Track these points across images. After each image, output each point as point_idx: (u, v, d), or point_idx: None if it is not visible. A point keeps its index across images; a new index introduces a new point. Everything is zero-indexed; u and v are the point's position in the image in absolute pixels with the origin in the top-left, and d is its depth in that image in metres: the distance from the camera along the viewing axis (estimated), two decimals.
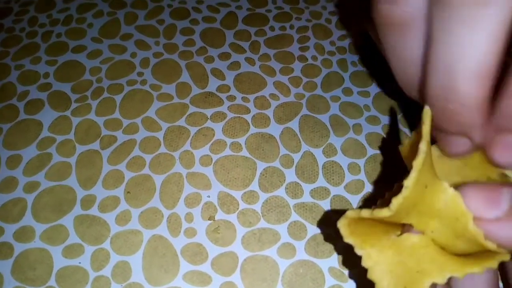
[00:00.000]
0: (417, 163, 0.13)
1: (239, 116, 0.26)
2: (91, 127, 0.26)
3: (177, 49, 0.29)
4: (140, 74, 0.28)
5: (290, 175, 0.24)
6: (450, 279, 0.15)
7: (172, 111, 0.26)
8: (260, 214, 0.23)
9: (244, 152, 0.25)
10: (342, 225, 0.14)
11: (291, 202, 0.23)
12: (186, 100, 0.27)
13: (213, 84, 0.28)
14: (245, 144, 0.25)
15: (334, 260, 0.21)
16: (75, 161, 0.24)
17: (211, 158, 0.25)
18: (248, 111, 0.26)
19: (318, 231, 0.22)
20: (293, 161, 0.24)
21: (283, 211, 0.23)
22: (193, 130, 0.26)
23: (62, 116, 0.26)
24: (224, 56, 0.29)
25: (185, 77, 0.28)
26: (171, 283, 0.21)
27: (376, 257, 0.15)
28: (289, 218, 0.23)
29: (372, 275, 0.14)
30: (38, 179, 0.23)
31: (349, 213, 0.14)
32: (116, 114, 0.26)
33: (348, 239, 0.14)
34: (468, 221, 0.12)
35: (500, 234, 0.12)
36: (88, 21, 0.31)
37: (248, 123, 0.26)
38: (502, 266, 0.16)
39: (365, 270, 0.15)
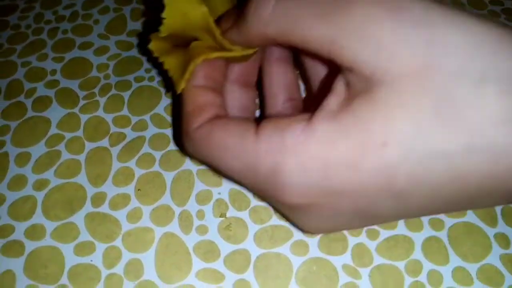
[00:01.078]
0: None
1: None
2: (99, 124, 0.25)
3: None
4: (147, 70, 0.28)
5: None
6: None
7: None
8: (272, 211, 0.22)
9: None
10: (151, 45, 0.20)
11: None
12: None
13: None
14: None
15: (347, 257, 0.21)
16: (84, 158, 0.24)
17: None
18: None
19: None
20: None
21: None
22: None
23: (70, 113, 0.26)
24: None
25: None
26: (184, 280, 0.21)
27: (170, 60, 0.20)
28: None
29: (169, 72, 0.20)
30: (47, 177, 0.23)
31: (152, 35, 0.20)
32: (125, 111, 0.26)
33: (154, 53, 0.20)
34: (217, 34, 0.18)
35: (231, 38, 0.18)
36: (94, 17, 0.31)
37: None
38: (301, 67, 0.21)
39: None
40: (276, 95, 0.21)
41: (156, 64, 0.28)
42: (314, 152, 0.15)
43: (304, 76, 0.22)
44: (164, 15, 0.18)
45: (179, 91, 0.19)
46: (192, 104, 0.18)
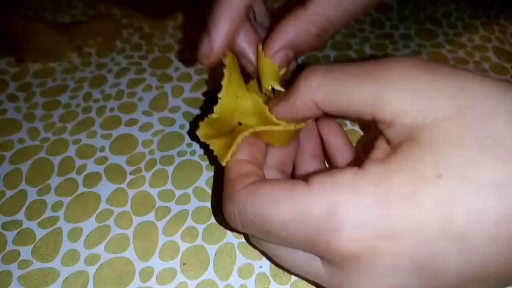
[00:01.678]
0: (224, 82, 0.21)
1: None
2: (146, 198, 0.27)
3: None
4: (189, 145, 0.30)
5: None
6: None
7: (221, 180, 0.28)
8: (314, 285, 0.23)
9: None
10: (200, 131, 0.21)
11: None
12: None
13: None
14: None
15: None
16: (132, 233, 0.25)
17: None
18: None
19: None
20: None
21: None
22: None
23: (119, 189, 0.27)
24: None
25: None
26: None
27: (216, 141, 0.22)
28: None
29: (214, 150, 0.22)
30: (98, 252, 0.25)
31: (201, 123, 0.21)
32: (169, 185, 0.28)
33: (202, 139, 0.21)
34: (266, 111, 0.21)
35: (279, 111, 0.20)
36: (138, 95, 0.33)
37: None
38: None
39: None
40: (307, 155, 0.24)
41: (198, 139, 0.30)
42: (369, 190, 0.15)
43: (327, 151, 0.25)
44: (220, 95, 0.21)
45: (224, 164, 0.21)
46: (236, 172, 0.20)
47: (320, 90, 0.18)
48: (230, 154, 0.21)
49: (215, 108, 0.21)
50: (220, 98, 0.21)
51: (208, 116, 0.21)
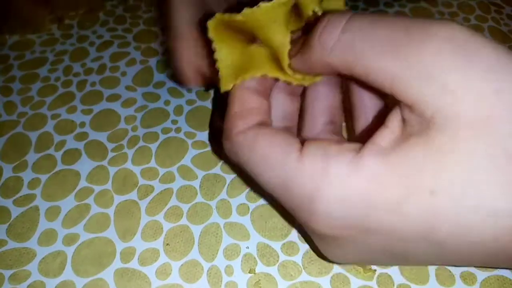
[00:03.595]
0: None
1: None
2: (128, 176, 0.26)
3: (209, 96, 0.30)
4: (174, 121, 0.28)
5: None
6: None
7: (207, 159, 0.27)
8: (301, 266, 0.22)
9: None
10: (210, 24, 0.18)
11: None
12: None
13: None
14: None
15: None
16: (113, 212, 0.24)
17: (248, 207, 0.24)
18: None
19: (362, 283, 0.22)
20: None
21: (324, 262, 0.22)
22: (228, 178, 0.26)
23: (99, 166, 0.26)
24: None
25: None
26: None
27: (225, 51, 0.19)
28: (331, 270, 0.22)
29: (218, 64, 0.19)
30: (77, 231, 0.23)
31: (217, 15, 0.18)
32: (152, 163, 0.26)
33: (211, 34, 0.18)
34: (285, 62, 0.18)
35: (293, 64, 0.18)
36: (122, 70, 0.32)
37: None
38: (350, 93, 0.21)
39: None
40: (318, 115, 0.20)
41: (183, 115, 0.29)
42: (357, 188, 0.15)
43: (350, 102, 0.21)
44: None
45: (222, 90, 0.19)
46: (240, 106, 0.18)
47: (335, 54, 0.16)
48: (235, 84, 0.19)
49: (245, 10, 0.17)
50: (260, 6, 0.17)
51: (229, 14, 0.18)
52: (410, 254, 0.15)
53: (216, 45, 0.19)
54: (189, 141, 0.28)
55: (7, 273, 0.22)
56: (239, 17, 0.18)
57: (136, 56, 0.33)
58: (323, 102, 0.20)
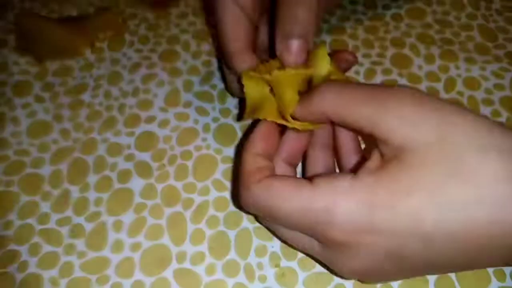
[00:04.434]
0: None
1: None
2: (172, 191, 0.32)
3: (230, 113, 0.35)
4: (204, 139, 0.34)
5: None
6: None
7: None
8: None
9: None
10: (244, 72, 0.27)
11: None
12: None
13: None
14: None
15: None
16: (165, 223, 0.31)
17: None
18: None
19: None
20: None
21: None
22: None
23: (148, 184, 0.32)
24: None
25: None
26: None
27: (249, 90, 0.26)
28: None
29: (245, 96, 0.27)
30: (139, 240, 0.30)
31: (251, 72, 0.26)
32: (190, 178, 0.32)
33: (242, 76, 0.26)
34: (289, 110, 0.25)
35: (296, 113, 0.25)
36: (153, 92, 0.37)
37: None
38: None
39: None
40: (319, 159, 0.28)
41: (210, 132, 0.34)
42: (360, 197, 0.20)
43: (338, 145, 0.28)
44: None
45: (245, 118, 0.27)
46: (252, 165, 0.24)
47: (332, 106, 0.22)
48: (252, 115, 0.27)
49: (274, 72, 0.25)
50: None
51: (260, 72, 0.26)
52: (406, 253, 0.21)
53: (244, 82, 0.26)
54: (218, 157, 0.33)
55: (93, 277, 0.29)
56: (268, 76, 0.25)
57: (163, 77, 0.37)
58: (320, 163, 0.27)
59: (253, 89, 0.26)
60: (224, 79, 0.35)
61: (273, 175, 0.24)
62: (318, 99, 0.23)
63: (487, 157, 0.19)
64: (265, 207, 0.23)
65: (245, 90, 0.26)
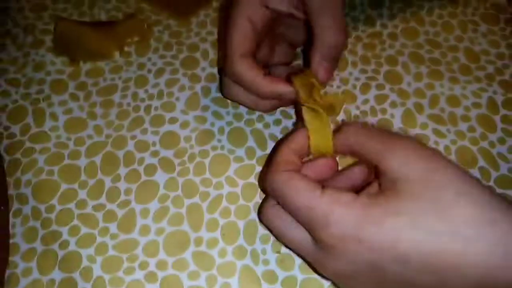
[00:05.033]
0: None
1: None
2: (191, 185, 0.37)
3: (243, 117, 0.40)
4: (219, 140, 0.39)
5: None
6: None
7: (245, 171, 0.38)
8: None
9: None
10: (295, 77, 0.33)
11: None
12: (253, 161, 0.38)
13: (270, 147, 0.39)
14: None
15: None
16: (185, 212, 0.36)
17: None
18: None
19: None
20: None
21: None
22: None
23: (171, 177, 0.38)
24: (276, 122, 0.40)
25: (250, 142, 0.39)
26: None
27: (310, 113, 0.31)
28: None
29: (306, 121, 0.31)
30: (163, 225, 0.35)
31: (302, 78, 0.34)
32: (207, 174, 0.38)
33: (294, 80, 0.33)
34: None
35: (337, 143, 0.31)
36: (176, 95, 0.42)
37: None
38: None
39: None
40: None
41: (224, 134, 0.39)
42: (355, 211, 0.26)
43: None
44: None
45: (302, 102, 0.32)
46: (283, 157, 0.30)
47: (352, 139, 0.29)
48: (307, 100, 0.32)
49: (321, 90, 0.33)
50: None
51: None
52: (385, 268, 0.24)
53: (293, 79, 0.33)
54: (231, 157, 0.39)
55: (124, 256, 0.34)
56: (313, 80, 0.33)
57: (185, 82, 0.42)
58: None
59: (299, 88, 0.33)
60: (221, 84, 0.40)
61: (297, 171, 0.29)
62: (343, 133, 0.30)
63: (460, 201, 0.24)
64: (283, 193, 0.28)
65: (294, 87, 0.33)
